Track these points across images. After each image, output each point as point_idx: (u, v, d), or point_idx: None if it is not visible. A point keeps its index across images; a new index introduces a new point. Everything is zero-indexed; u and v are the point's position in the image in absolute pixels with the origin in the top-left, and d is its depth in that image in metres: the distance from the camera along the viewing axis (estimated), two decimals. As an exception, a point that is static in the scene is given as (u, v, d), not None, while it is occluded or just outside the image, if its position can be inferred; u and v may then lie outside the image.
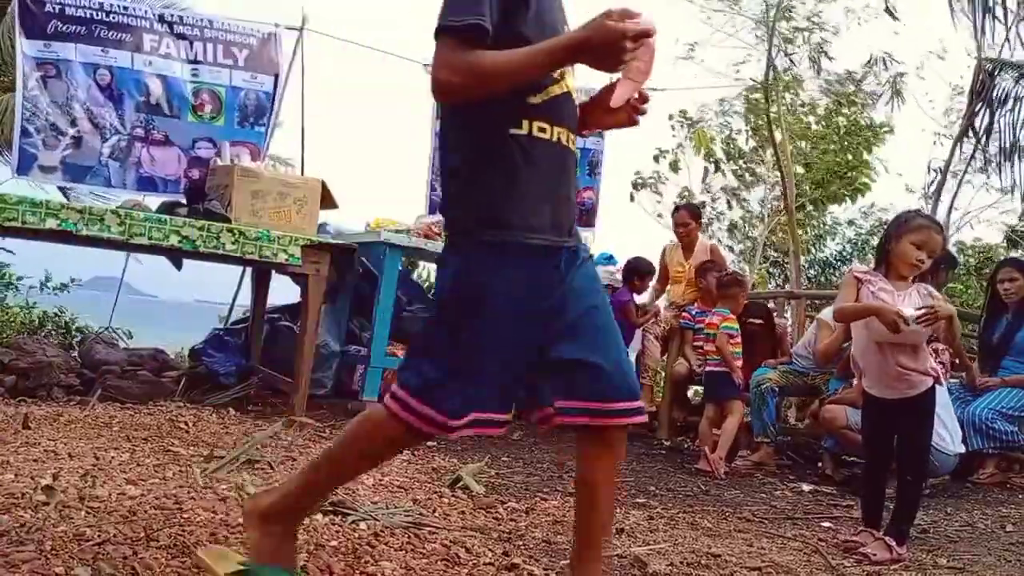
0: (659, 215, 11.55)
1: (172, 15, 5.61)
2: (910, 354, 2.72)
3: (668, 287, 6.03)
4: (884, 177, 10.64)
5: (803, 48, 9.74)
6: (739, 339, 4.65)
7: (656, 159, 11.43)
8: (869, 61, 10.04)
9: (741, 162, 11.40)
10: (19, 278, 7.24)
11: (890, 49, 10.14)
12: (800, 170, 10.68)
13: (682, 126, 11.26)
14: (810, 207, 10.98)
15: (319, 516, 2.35)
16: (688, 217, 5.76)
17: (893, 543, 2.68)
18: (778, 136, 9.78)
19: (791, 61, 9.82)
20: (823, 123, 10.81)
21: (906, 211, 2.98)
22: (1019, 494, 4.11)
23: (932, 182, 9.24)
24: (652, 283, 5.86)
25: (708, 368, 4.72)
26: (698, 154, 11.12)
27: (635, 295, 5.67)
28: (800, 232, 10.88)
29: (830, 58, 9.87)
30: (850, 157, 10.22)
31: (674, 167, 11.31)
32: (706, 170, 11.49)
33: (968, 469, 4.27)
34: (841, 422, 4.08)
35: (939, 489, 4.06)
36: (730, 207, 12.01)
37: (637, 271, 5.64)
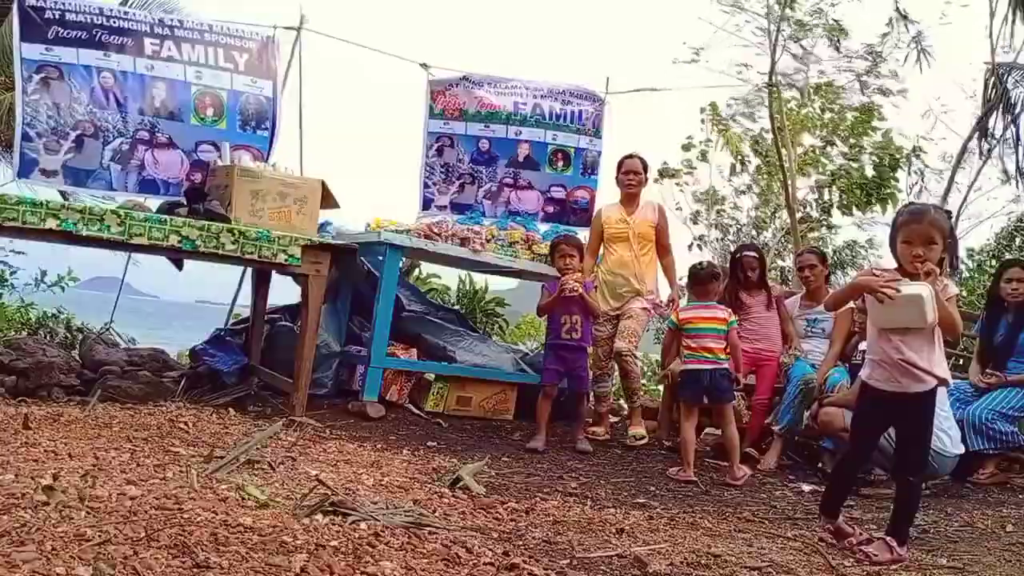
0: (678, 207, 11.66)
1: (172, 19, 5.61)
2: (918, 349, 2.67)
3: (601, 252, 5.25)
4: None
5: (817, 31, 9.63)
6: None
7: (686, 148, 11.46)
8: (889, 22, 9.72)
9: (767, 159, 11.39)
10: (13, 272, 7.22)
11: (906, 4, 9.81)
12: (822, 176, 10.68)
13: (712, 122, 11.28)
14: (836, 213, 10.94)
15: (319, 516, 2.35)
16: (640, 166, 5.19)
17: (894, 543, 2.68)
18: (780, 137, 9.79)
19: (802, 48, 9.74)
20: (835, 120, 10.76)
21: (897, 210, 2.97)
22: (1019, 494, 4.11)
23: (915, 183, 9.31)
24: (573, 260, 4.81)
25: (704, 366, 4.21)
26: (727, 150, 11.16)
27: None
28: (812, 232, 10.89)
29: (846, 34, 9.70)
30: (872, 173, 10.21)
31: (704, 156, 11.37)
32: (733, 167, 11.49)
33: (968, 469, 4.27)
34: (839, 424, 4.08)
35: (939, 489, 4.06)
36: (757, 208, 12.01)
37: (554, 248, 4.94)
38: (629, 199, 5.19)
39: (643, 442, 4.81)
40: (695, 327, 4.25)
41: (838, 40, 9.72)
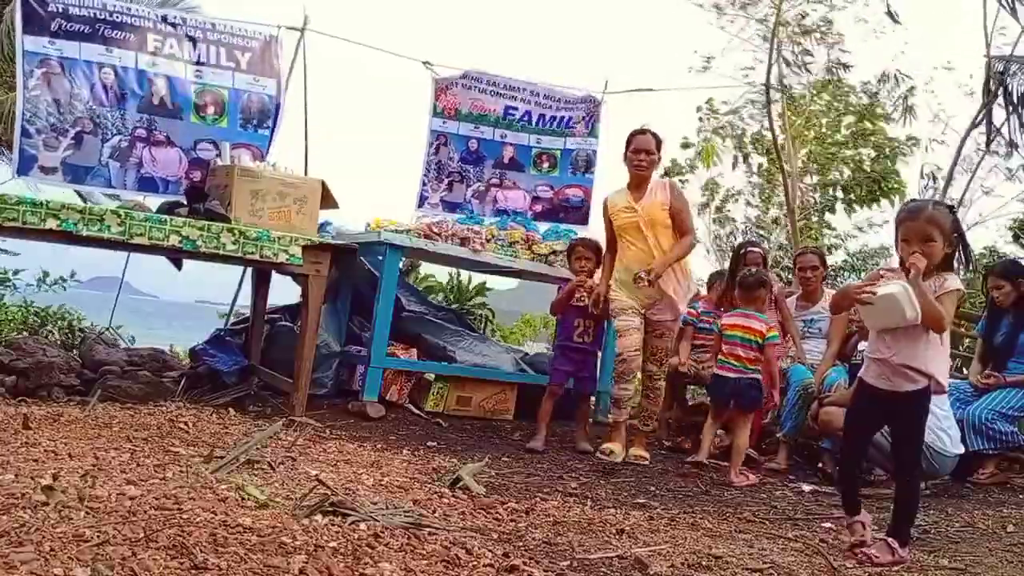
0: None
1: (176, 16, 5.60)
2: (911, 349, 2.67)
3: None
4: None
5: (818, 52, 9.78)
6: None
7: (684, 147, 11.51)
8: (882, 78, 10.05)
9: (769, 156, 11.40)
10: (16, 272, 7.23)
11: (901, 62, 10.27)
12: (817, 176, 10.71)
13: (708, 119, 11.32)
14: (838, 211, 10.96)
15: (319, 516, 2.35)
16: (652, 144, 4.38)
17: (896, 544, 2.67)
18: (780, 138, 9.80)
19: (798, 65, 9.82)
20: (835, 126, 10.80)
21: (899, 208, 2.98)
22: (1019, 494, 4.11)
23: (925, 187, 9.34)
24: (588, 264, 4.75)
25: (729, 374, 4.25)
26: (707, 167, 11.21)
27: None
28: (816, 237, 10.89)
29: (847, 68, 9.91)
30: (868, 166, 10.25)
31: (703, 157, 11.38)
32: (736, 159, 11.50)
33: (968, 469, 4.27)
34: (839, 424, 4.06)
35: (939, 489, 4.06)
36: (751, 203, 12.00)
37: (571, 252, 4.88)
38: (638, 182, 4.42)
39: (646, 463, 4.31)
40: (729, 334, 4.28)
41: (837, 75, 9.91)
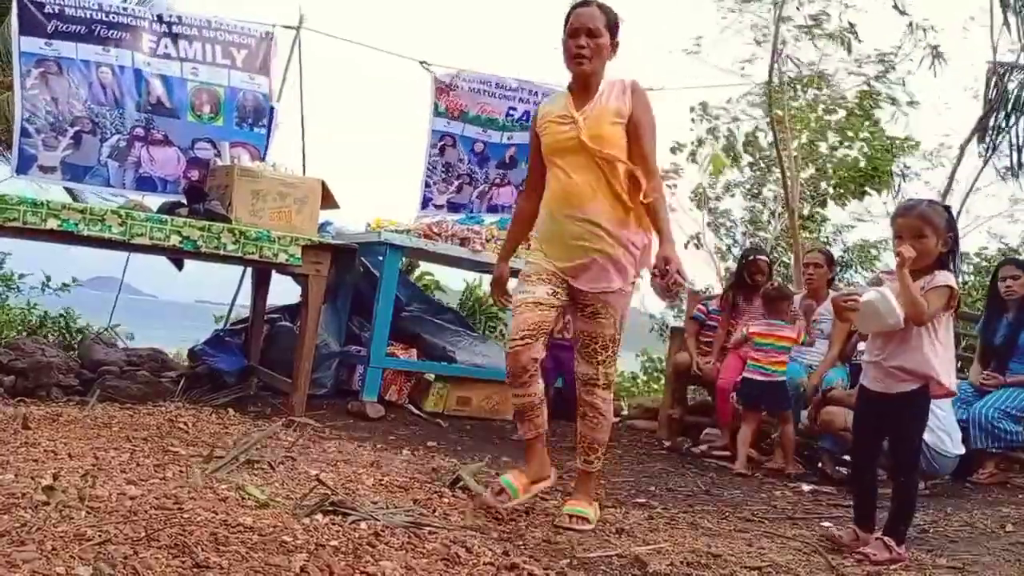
0: (671, 208, 11.62)
1: (171, 15, 5.60)
2: (900, 350, 2.69)
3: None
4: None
5: (828, 28, 9.66)
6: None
7: (673, 151, 11.50)
8: (910, 25, 9.80)
9: (758, 155, 11.38)
10: (20, 276, 7.24)
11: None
12: (812, 169, 10.71)
13: (702, 120, 11.30)
14: (829, 204, 10.98)
15: (319, 516, 2.35)
16: (599, 20, 2.83)
17: (892, 543, 2.68)
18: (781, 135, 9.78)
19: (796, 62, 9.80)
20: (842, 121, 10.77)
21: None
22: (1019, 494, 4.12)
23: (896, 187, 9.40)
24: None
25: (759, 378, 4.50)
26: (714, 174, 11.17)
27: None
28: (811, 233, 10.87)
29: (859, 39, 9.77)
30: (863, 163, 10.24)
31: (693, 157, 11.37)
32: (731, 158, 11.48)
33: (968, 469, 4.28)
34: (840, 423, 4.09)
35: (939, 489, 4.07)
36: (748, 197, 11.98)
37: None
38: (582, 80, 2.91)
39: (587, 527, 2.80)
40: (760, 342, 4.56)
41: (849, 43, 9.77)
